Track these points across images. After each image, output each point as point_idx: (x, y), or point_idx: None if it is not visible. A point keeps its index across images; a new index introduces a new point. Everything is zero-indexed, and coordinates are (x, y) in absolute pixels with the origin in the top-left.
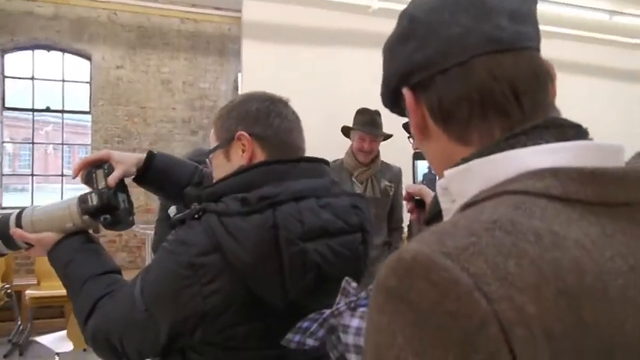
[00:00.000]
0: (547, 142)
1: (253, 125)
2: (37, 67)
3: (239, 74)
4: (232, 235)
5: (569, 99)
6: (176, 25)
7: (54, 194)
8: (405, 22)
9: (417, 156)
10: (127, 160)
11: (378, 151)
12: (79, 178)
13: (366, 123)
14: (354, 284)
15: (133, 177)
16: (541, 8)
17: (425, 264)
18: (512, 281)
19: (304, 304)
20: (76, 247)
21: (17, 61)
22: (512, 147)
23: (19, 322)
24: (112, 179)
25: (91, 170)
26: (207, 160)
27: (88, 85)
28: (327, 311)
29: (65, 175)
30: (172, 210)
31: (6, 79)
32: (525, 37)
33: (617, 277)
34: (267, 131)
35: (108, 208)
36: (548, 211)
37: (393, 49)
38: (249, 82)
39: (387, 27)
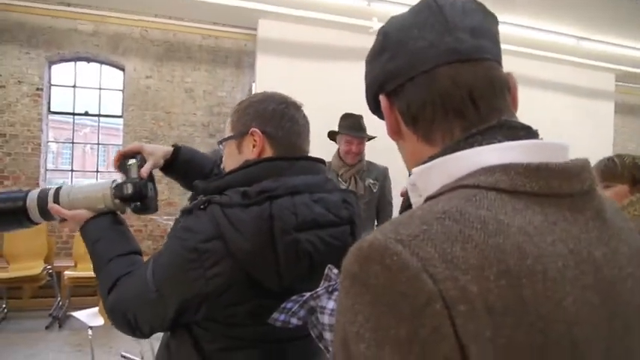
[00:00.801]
0: (500, 141)
1: (267, 124)
2: (78, 76)
3: (253, 84)
4: (233, 225)
5: (543, 113)
6: (198, 40)
7: None
8: (381, 37)
9: None
10: (156, 152)
11: (362, 158)
12: (111, 170)
13: (352, 127)
14: (335, 271)
15: (160, 167)
16: (518, 32)
17: (379, 250)
18: (457, 264)
19: (297, 288)
20: (104, 226)
21: (61, 72)
22: (471, 146)
23: (59, 299)
24: (145, 171)
25: (125, 161)
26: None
27: (121, 92)
28: (307, 294)
29: (100, 171)
30: None
31: (52, 87)
32: (484, 50)
33: (558, 260)
34: (279, 132)
35: (139, 197)
36: (496, 202)
37: (372, 61)
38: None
39: None
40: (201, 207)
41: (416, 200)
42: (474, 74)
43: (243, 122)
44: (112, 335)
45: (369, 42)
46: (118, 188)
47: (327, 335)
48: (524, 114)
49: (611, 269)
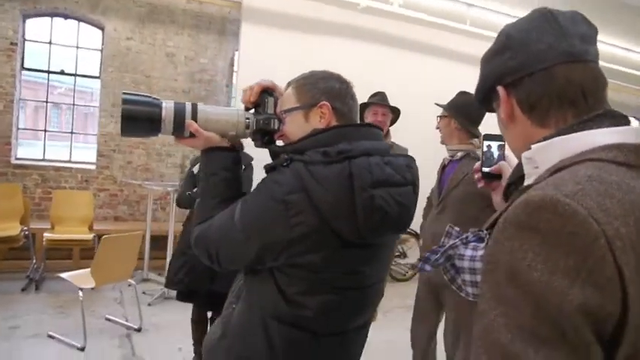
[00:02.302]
0: (607, 126)
1: (335, 100)
2: (54, 33)
3: (236, 53)
4: (317, 180)
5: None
6: (182, 4)
7: (64, 149)
8: (503, 38)
9: (486, 137)
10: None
11: (389, 130)
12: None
13: (378, 99)
14: (456, 228)
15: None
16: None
17: (552, 202)
18: (609, 212)
19: (370, 239)
20: (226, 163)
21: (37, 27)
22: (582, 129)
23: (34, 261)
24: (279, 109)
25: (264, 95)
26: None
27: (99, 52)
28: (447, 245)
29: (75, 133)
30: (196, 168)
31: (26, 42)
32: (589, 53)
33: None
34: (344, 108)
35: (274, 132)
36: (618, 171)
37: (492, 57)
38: (245, 61)
39: (372, 23)
40: (284, 164)
41: (530, 171)
42: (583, 73)
43: (312, 95)
44: (94, 298)
45: (355, 19)
46: (264, 121)
47: (467, 277)
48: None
49: None
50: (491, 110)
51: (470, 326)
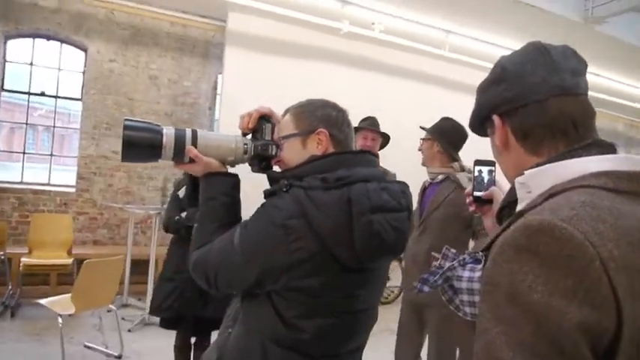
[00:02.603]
0: (595, 154)
1: (332, 127)
2: (35, 54)
3: (219, 76)
4: (316, 205)
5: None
6: (166, 27)
7: (43, 172)
8: (499, 70)
9: (477, 162)
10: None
11: (378, 155)
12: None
13: (369, 124)
14: (453, 250)
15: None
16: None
17: (549, 226)
18: (603, 236)
19: (367, 263)
20: (225, 188)
21: (18, 48)
22: (573, 157)
23: (10, 287)
24: (276, 136)
25: (262, 122)
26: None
27: (82, 74)
28: (445, 267)
29: (54, 155)
30: (181, 192)
31: (7, 64)
32: (580, 87)
33: None
34: (340, 135)
35: (271, 157)
36: (608, 197)
37: (488, 87)
38: (229, 84)
39: (354, 48)
40: (284, 190)
41: (523, 195)
42: (574, 105)
43: (310, 122)
44: (73, 325)
45: (338, 44)
46: (262, 147)
47: (465, 297)
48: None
49: None
50: (485, 135)
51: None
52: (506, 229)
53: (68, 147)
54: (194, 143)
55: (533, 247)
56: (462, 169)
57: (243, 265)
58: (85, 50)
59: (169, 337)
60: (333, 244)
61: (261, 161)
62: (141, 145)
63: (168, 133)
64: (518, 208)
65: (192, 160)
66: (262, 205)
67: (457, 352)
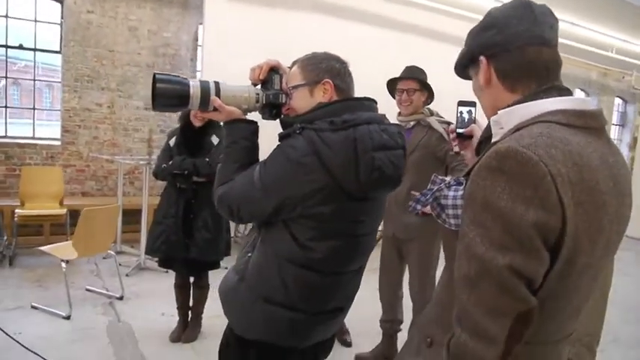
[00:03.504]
0: (554, 96)
1: (335, 77)
2: (10, 6)
3: (199, 26)
4: (327, 144)
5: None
6: None
7: (26, 127)
8: (490, 18)
9: (460, 103)
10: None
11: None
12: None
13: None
14: (440, 177)
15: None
16: None
17: (513, 151)
18: (554, 158)
19: (370, 193)
20: (246, 133)
21: None
22: (536, 99)
23: (5, 237)
24: (285, 86)
25: (271, 73)
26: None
27: (59, 26)
28: (435, 188)
29: (38, 109)
30: (172, 142)
31: None
32: (554, 41)
33: (594, 160)
34: (343, 85)
35: (281, 105)
36: (561, 130)
37: (479, 32)
38: (210, 35)
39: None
40: (298, 132)
41: (497, 131)
42: (549, 55)
43: (316, 73)
44: (71, 272)
45: None
46: (274, 96)
47: (450, 211)
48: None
49: (617, 168)
50: (465, 78)
51: (430, 273)
52: (484, 156)
53: (49, 102)
54: (217, 94)
55: (501, 167)
56: (432, 113)
57: (263, 197)
58: (60, 2)
59: (164, 280)
60: (341, 177)
61: (272, 109)
62: (171, 96)
63: (195, 85)
64: (493, 141)
65: (215, 109)
66: (278, 146)
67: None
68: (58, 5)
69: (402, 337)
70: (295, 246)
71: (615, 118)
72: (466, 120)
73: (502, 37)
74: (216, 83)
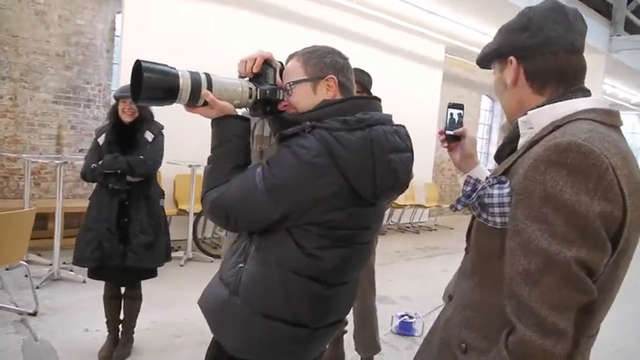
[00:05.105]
0: (579, 97)
1: (339, 74)
2: None
3: (117, 16)
4: (342, 144)
5: (386, 72)
6: None
7: None
8: (526, 19)
9: (450, 106)
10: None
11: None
12: None
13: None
14: (474, 177)
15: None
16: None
17: (576, 144)
18: (610, 151)
19: (382, 198)
20: (240, 131)
21: None
22: (566, 99)
23: None
24: (279, 80)
25: (265, 66)
26: None
27: None
28: (479, 187)
29: None
30: (101, 139)
31: None
32: (583, 48)
33: (629, 155)
34: (347, 82)
35: (278, 102)
36: (600, 127)
37: (512, 32)
38: (130, 26)
39: None
40: (308, 130)
41: (525, 130)
42: (577, 61)
43: (320, 68)
44: None
45: None
46: (270, 91)
47: (496, 209)
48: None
49: (636, 164)
50: (486, 68)
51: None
52: (522, 156)
53: None
54: (209, 87)
55: (563, 160)
56: None
57: (268, 202)
58: None
59: (82, 291)
60: (357, 180)
61: (265, 105)
62: (158, 88)
63: (184, 75)
64: (522, 141)
65: (205, 104)
66: (283, 145)
67: None
68: None
69: (347, 339)
70: (301, 255)
71: None
72: (456, 122)
73: (535, 41)
74: (207, 75)
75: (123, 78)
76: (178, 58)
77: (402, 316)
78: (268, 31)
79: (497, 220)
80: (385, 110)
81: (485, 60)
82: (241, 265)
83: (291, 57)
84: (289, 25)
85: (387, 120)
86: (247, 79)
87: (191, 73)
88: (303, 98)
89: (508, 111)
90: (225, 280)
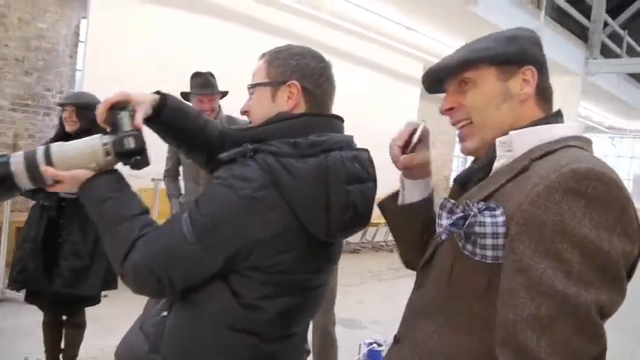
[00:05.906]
0: (560, 122)
1: (307, 80)
2: None
3: (82, 21)
4: (290, 173)
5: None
6: None
7: None
8: (536, 36)
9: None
10: (146, 100)
11: (219, 107)
12: None
13: (202, 85)
14: (452, 201)
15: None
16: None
17: (597, 173)
18: (621, 182)
19: (339, 236)
20: (111, 186)
21: None
22: (549, 123)
23: None
24: (140, 122)
25: (114, 112)
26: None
27: None
28: (470, 214)
29: None
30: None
31: None
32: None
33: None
34: (316, 90)
35: (141, 150)
36: (589, 153)
37: (531, 44)
38: (95, 31)
39: (233, 3)
40: (249, 156)
41: (502, 153)
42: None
43: (282, 71)
44: None
45: None
46: (118, 143)
47: (488, 241)
48: (345, 86)
49: None
50: (443, 82)
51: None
52: (510, 181)
53: None
54: (49, 162)
55: (582, 189)
56: None
57: (201, 253)
58: None
59: (28, 315)
60: (306, 216)
61: (129, 157)
62: None
63: (16, 161)
64: (497, 164)
65: (56, 181)
66: (217, 177)
67: None
68: None
69: None
70: (236, 306)
71: None
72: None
73: (543, 57)
74: (47, 148)
75: (86, 85)
76: (145, 65)
77: (371, 343)
78: (239, 39)
79: (489, 253)
80: (362, 127)
81: (502, 59)
82: (165, 313)
83: (262, 56)
84: (260, 35)
85: (347, 143)
86: (104, 134)
87: (25, 153)
88: (260, 106)
89: (497, 128)
90: (146, 329)
